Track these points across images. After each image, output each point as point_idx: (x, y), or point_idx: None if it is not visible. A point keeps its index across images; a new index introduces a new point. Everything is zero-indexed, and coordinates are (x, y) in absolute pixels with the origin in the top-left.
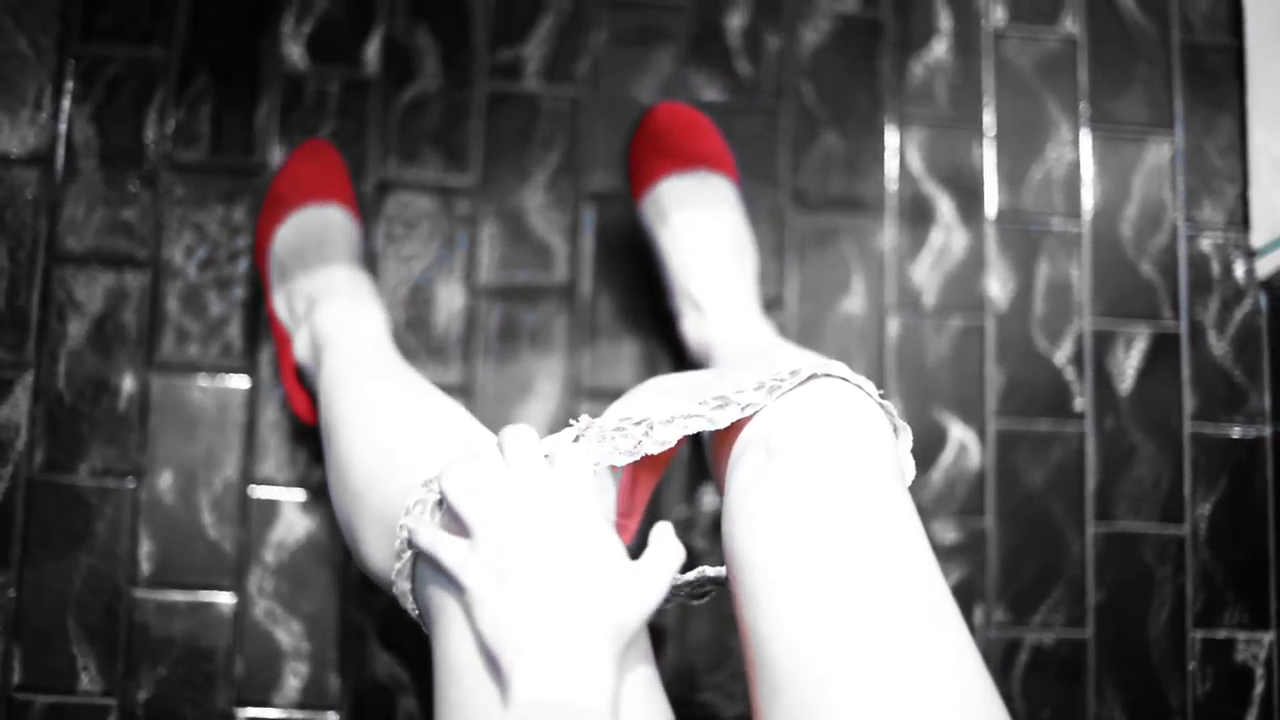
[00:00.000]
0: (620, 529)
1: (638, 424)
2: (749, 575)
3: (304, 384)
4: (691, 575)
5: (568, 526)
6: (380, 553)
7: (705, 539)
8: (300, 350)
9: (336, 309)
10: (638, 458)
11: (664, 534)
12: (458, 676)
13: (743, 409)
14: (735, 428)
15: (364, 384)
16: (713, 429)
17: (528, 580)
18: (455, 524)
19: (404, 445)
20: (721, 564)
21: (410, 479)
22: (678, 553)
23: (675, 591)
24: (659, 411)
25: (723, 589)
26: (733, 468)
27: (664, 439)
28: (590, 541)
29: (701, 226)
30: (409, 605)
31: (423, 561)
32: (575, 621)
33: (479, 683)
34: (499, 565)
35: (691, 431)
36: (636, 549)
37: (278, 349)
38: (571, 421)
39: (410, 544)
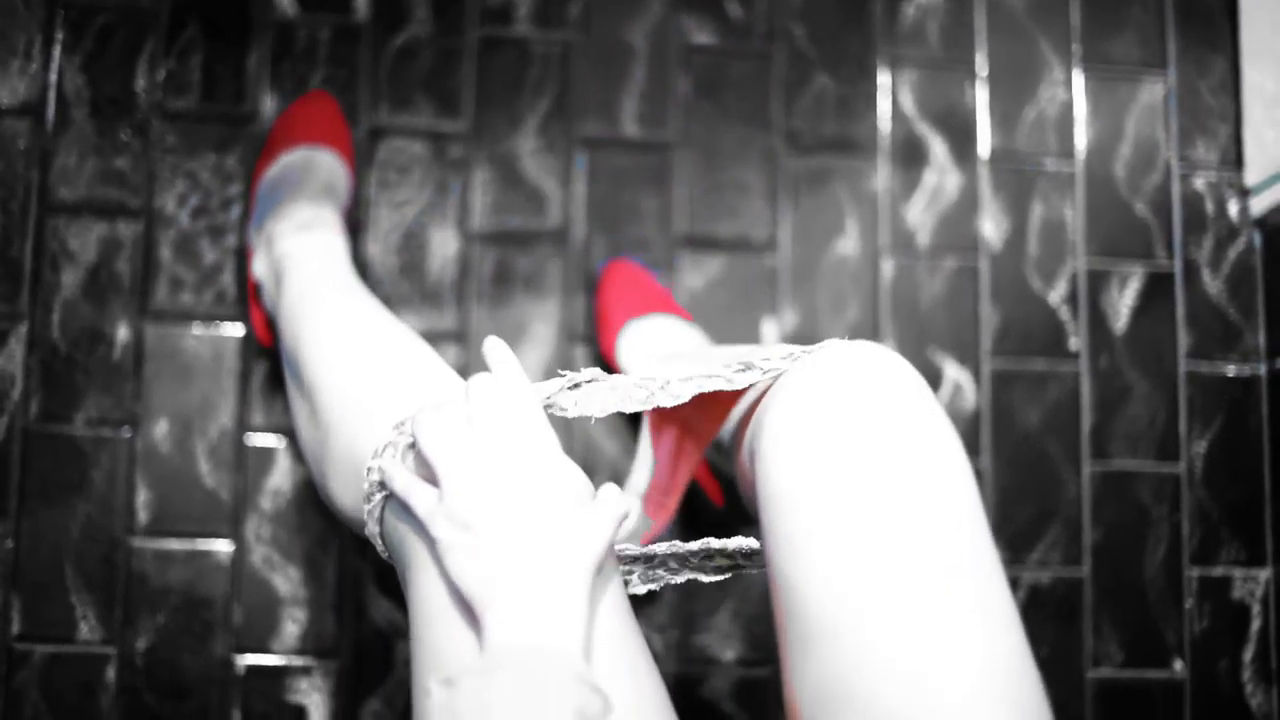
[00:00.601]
0: (659, 507)
1: (655, 380)
2: (783, 521)
3: (260, 303)
4: (695, 545)
5: (529, 471)
6: (346, 489)
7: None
8: (259, 268)
9: (299, 235)
10: (649, 407)
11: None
12: (434, 620)
13: (764, 373)
14: (753, 406)
15: (330, 308)
16: (730, 389)
17: (492, 529)
18: (426, 470)
19: (375, 382)
20: (727, 536)
21: (381, 419)
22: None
23: (683, 563)
24: (678, 372)
25: (735, 564)
26: (762, 417)
27: (679, 393)
28: (550, 482)
29: (671, 345)
30: (379, 545)
31: (393, 506)
32: (541, 565)
33: (454, 626)
34: (464, 516)
35: (709, 390)
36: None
37: (247, 270)
38: (561, 373)
39: (382, 485)
